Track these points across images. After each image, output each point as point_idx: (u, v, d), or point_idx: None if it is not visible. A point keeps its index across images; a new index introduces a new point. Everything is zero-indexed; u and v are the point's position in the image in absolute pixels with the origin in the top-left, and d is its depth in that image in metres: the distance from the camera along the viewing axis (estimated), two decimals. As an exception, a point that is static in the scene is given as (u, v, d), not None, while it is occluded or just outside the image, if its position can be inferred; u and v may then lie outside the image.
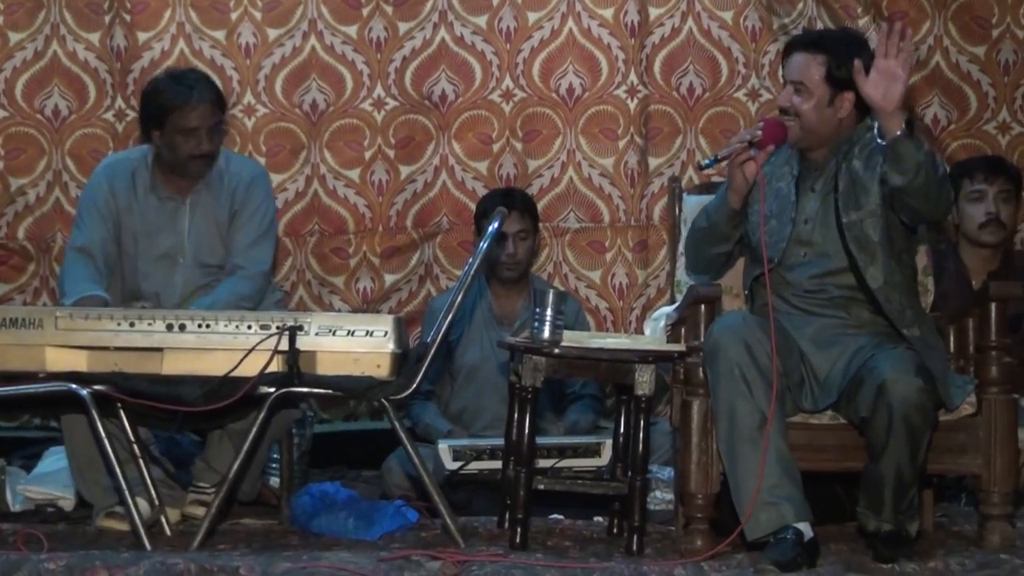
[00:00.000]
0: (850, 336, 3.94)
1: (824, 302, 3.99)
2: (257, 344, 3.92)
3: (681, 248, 4.32)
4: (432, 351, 4.02)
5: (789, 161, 4.06)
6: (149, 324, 3.98)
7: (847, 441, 3.89)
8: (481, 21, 5.47)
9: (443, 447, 4.64)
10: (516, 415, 4.04)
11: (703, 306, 3.95)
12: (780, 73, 4.29)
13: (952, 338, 4.14)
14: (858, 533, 3.93)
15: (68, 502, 4.56)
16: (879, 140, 3.77)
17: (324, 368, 3.97)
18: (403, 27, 5.45)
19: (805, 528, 3.71)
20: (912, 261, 4.06)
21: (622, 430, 4.15)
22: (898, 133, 3.70)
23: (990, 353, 3.95)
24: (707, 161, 4.04)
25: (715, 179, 5.27)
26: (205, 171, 4.49)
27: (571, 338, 4.02)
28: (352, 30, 5.45)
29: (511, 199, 5.05)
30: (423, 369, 4.00)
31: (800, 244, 4.00)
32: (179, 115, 4.41)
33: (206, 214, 4.52)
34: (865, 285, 3.94)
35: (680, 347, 3.99)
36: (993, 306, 3.96)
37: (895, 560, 3.73)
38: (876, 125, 3.78)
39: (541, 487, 3.96)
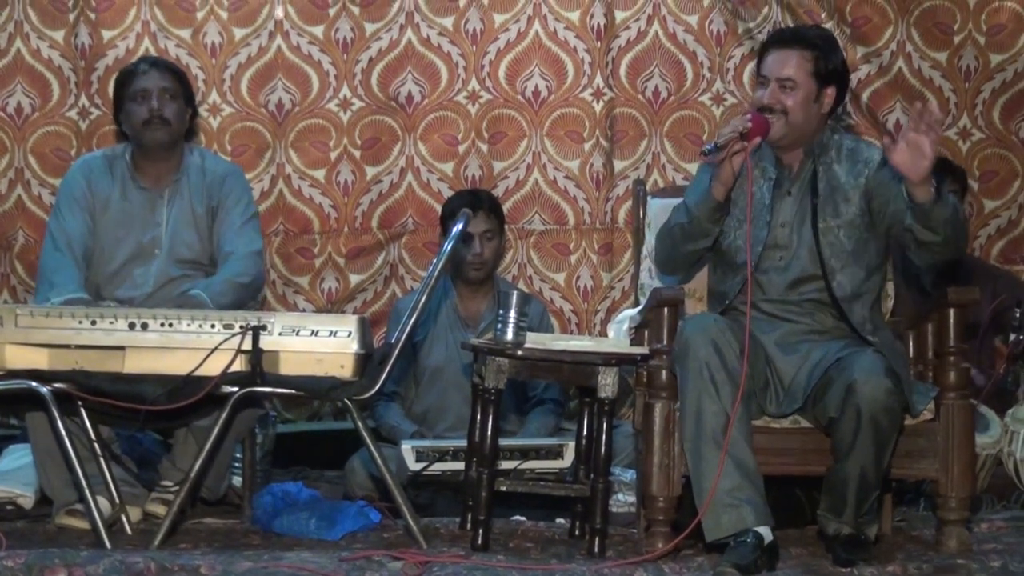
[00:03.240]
0: (814, 342, 3.95)
1: (794, 308, 4.01)
2: (220, 343, 3.91)
3: (645, 251, 4.32)
4: (396, 352, 4.01)
5: (759, 164, 4.04)
6: (111, 322, 3.96)
7: (809, 445, 3.91)
8: (448, 23, 5.47)
9: (406, 448, 4.63)
10: (479, 416, 4.05)
11: (667, 309, 3.96)
12: (755, 72, 4.25)
13: (911, 344, 4.17)
14: (818, 537, 3.95)
15: (28, 500, 4.53)
16: (907, 198, 3.78)
17: (287, 368, 3.96)
18: (370, 28, 5.45)
19: (765, 532, 3.72)
20: (881, 278, 4.08)
21: (585, 432, 4.17)
22: (928, 198, 3.75)
23: (948, 359, 3.97)
24: (709, 147, 3.96)
25: (680, 182, 5.31)
26: (163, 139, 4.47)
27: (535, 340, 4.02)
28: (319, 30, 5.44)
29: (477, 199, 5.05)
30: (387, 370, 3.98)
31: (776, 248, 4.01)
32: (129, 85, 4.49)
33: (183, 207, 4.51)
34: (832, 291, 3.96)
35: (643, 350, 4.00)
36: (952, 312, 3.99)
37: (854, 564, 3.75)
38: (904, 187, 3.78)
39: (503, 488, 3.96)
